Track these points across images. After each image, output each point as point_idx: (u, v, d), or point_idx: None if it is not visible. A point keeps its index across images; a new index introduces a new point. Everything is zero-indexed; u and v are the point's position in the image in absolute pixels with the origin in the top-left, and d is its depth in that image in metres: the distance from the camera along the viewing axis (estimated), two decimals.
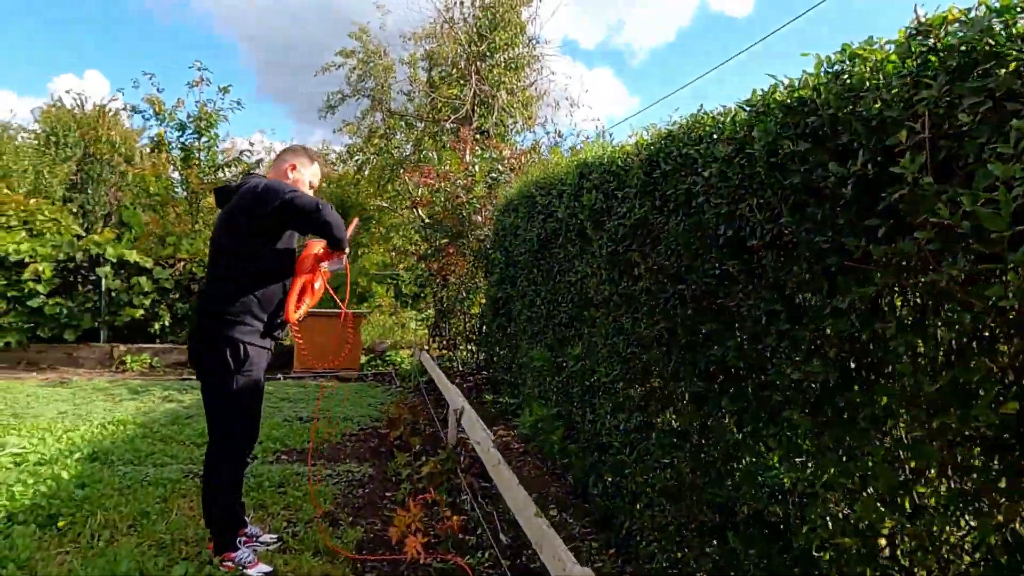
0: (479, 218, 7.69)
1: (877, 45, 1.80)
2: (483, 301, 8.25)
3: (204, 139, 10.41)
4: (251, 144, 11.60)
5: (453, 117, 11.49)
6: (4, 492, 3.63)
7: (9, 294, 8.44)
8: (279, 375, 8.47)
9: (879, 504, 1.80)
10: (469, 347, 8.84)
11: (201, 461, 4.69)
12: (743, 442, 2.40)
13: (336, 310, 9.57)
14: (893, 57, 1.74)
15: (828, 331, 1.90)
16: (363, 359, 9.42)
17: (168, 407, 6.34)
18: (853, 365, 1.88)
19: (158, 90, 10.56)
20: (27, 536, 3.12)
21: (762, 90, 2.27)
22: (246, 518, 3.34)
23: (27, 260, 8.50)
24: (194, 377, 8.18)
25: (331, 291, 3.42)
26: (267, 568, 3.03)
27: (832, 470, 1.90)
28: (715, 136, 2.55)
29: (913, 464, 1.74)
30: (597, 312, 3.61)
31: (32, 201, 11.55)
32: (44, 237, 9.65)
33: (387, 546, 3.35)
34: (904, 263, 1.64)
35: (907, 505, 1.75)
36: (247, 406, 3.02)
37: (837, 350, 1.87)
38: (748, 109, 2.34)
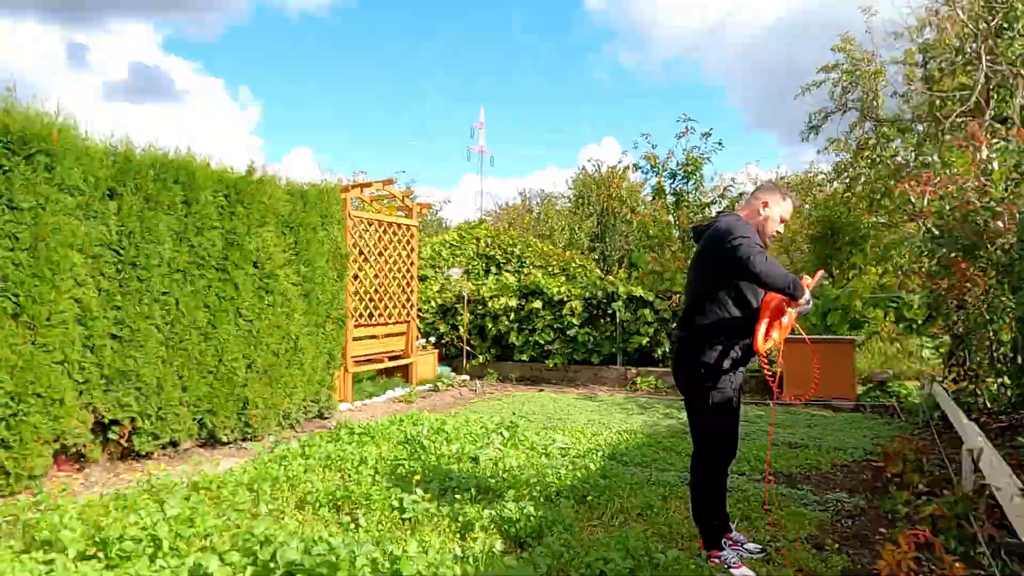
0: (1000, 224, 6.39)
1: None
2: (1014, 325, 6.75)
3: (691, 182, 11.49)
4: (732, 180, 12.25)
5: (959, 110, 9.80)
6: (554, 474, 4.82)
7: (555, 326, 10.90)
8: (768, 400, 8.60)
9: None
10: (999, 380, 7.29)
11: None
12: None
13: (823, 336, 9.21)
14: None
15: None
16: (860, 389, 8.75)
17: (669, 423, 7.20)
18: None
19: (652, 147, 12.22)
20: (568, 507, 4.10)
21: None
22: (731, 525, 3.65)
23: (565, 299, 10.86)
24: None
25: (799, 328, 3.50)
26: (750, 573, 3.27)
27: None
28: None
29: None
30: None
31: (567, 253, 14.65)
32: (576, 280, 12.14)
33: None
34: None
35: None
36: (722, 420, 3.36)
37: None
38: None
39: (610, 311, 10.64)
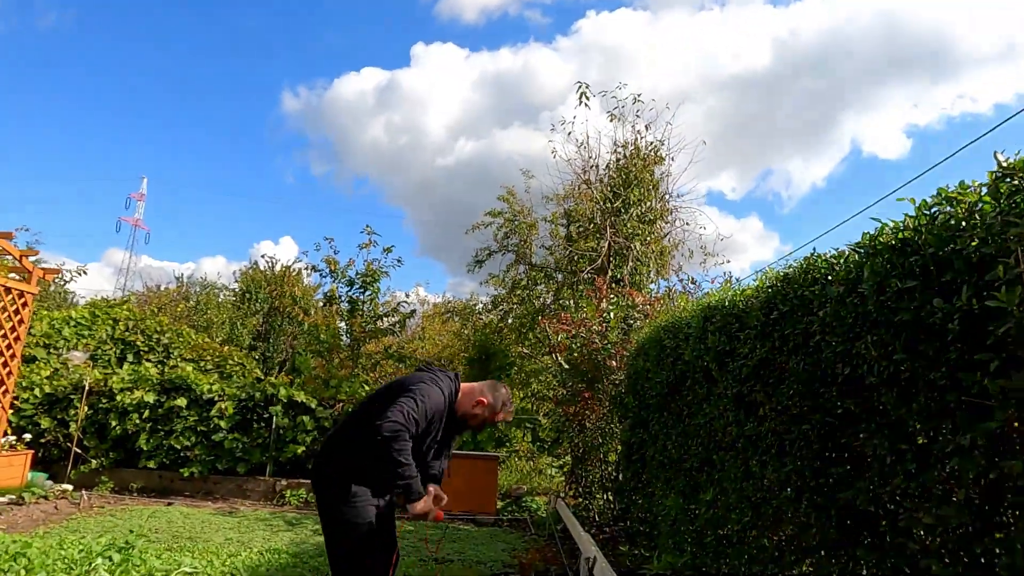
0: (614, 363, 7.81)
1: (971, 188, 1.88)
2: (619, 448, 8.13)
3: (368, 292, 11.70)
4: (407, 296, 12.93)
5: (589, 268, 12.07)
6: None
7: (199, 428, 9.60)
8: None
9: None
10: (606, 496, 8.59)
11: None
12: None
13: (475, 453, 9.83)
14: (987, 198, 1.81)
15: (957, 471, 1.82)
16: (500, 504, 9.42)
17: (318, 540, 6.71)
18: (987, 507, 1.77)
19: (334, 252, 12.23)
20: None
21: (870, 232, 2.37)
22: None
23: (216, 399, 9.73)
24: None
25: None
26: None
27: None
28: (829, 277, 2.63)
29: None
30: (726, 455, 3.54)
31: (225, 348, 13.36)
32: (232, 379, 11.03)
33: None
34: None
35: None
36: (359, 550, 3.00)
37: (967, 491, 1.78)
38: (859, 251, 2.43)
39: (267, 415, 9.83)
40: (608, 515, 8.30)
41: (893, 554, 2.11)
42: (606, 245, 11.55)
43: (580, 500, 8.86)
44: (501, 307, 16.43)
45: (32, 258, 8.65)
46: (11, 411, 8.56)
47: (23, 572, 4.32)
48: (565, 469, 10.07)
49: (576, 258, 12.82)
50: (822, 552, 2.60)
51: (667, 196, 12.17)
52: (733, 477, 3.38)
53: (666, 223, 12.34)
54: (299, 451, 9.66)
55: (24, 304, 8.08)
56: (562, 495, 9.27)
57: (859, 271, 2.34)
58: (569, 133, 12.72)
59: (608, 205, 11.71)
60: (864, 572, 2.33)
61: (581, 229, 13.15)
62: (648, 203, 11.68)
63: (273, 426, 9.78)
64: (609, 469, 8.57)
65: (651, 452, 5.40)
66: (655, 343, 5.19)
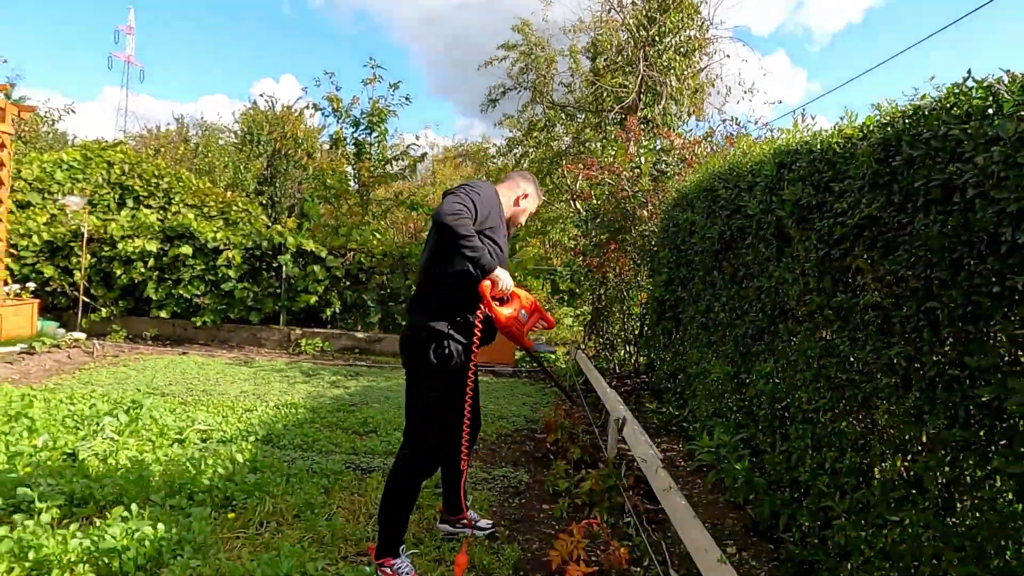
0: (644, 212, 7.22)
1: None
2: (644, 301, 7.77)
3: (375, 134, 10.86)
4: (417, 138, 12.00)
5: (618, 107, 11.03)
6: (189, 469, 3.82)
7: (207, 277, 9.32)
8: None
9: None
10: (628, 348, 8.40)
11: (363, 451, 4.74)
12: None
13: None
14: None
15: None
16: (517, 355, 9.30)
17: (335, 393, 6.58)
18: None
19: (336, 88, 11.21)
20: (204, 519, 3.20)
21: None
22: (466, 504, 3.32)
23: (222, 247, 9.33)
24: (360, 363, 8.53)
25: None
26: None
27: None
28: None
29: None
30: (798, 326, 3.06)
31: (229, 194, 12.79)
32: (237, 226, 10.58)
33: (545, 570, 3.08)
34: None
35: None
36: (449, 410, 2.88)
37: None
38: None
39: (276, 265, 9.49)
40: (630, 368, 8.15)
41: None
42: (638, 80, 10.43)
43: (601, 352, 8.69)
44: (516, 150, 15.50)
45: (11, 95, 7.84)
46: (9, 259, 8.23)
47: (25, 433, 4.10)
48: (584, 320, 9.84)
49: (603, 95, 11.70)
50: (930, 451, 2.18)
51: (707, 23, 10.80)
52: (806, 352, 2.92)
53: (705, 55, 11.08)
54: (311, 300, 9.43)
55: (1, 146, 7.41)
56: (582, 346, 9.11)
57: None
58: None
59: (642, 33, 10.42)
60: (998, 482, 1.90)
61: (608, 62, 11.88)
62: (686, 31, 10.38)
63: (284, 276, 9.46)
64: (633, 323, 8.30)
65: (691, 312, 4.96)
66: (705, 192, 4.55)
